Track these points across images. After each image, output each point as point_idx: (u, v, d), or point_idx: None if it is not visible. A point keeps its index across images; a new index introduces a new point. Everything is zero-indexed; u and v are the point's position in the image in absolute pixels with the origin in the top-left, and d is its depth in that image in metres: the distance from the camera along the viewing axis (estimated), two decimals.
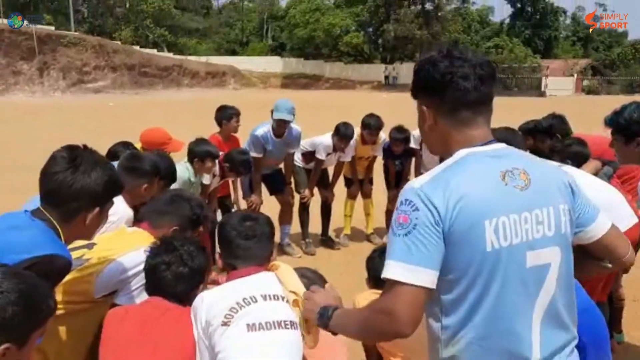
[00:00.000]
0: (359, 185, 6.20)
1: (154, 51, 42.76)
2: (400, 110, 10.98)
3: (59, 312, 1.83)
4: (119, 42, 40.09)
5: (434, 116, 1.50)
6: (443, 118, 1.48)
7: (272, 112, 5.27)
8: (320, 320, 1.62)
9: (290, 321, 1.77)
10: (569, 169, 1.75)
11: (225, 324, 1.71)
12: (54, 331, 2.06)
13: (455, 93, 1.44)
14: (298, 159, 5.82)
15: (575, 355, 1.50)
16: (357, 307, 2.12)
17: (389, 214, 6.32)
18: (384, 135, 5.95)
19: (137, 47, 41.04)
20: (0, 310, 1.34)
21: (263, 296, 1.78)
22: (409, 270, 1.32)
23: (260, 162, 5.22)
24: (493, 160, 1.44)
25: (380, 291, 2.09)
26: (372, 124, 5.71)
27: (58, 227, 1.81)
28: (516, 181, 1.41)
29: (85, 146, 1.97)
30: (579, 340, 1.74)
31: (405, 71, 48.09)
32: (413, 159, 6.14)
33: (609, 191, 2.99)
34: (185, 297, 1.95)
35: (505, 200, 1.39)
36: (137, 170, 2.84)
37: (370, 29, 50.82)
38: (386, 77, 46.97)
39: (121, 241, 2.34)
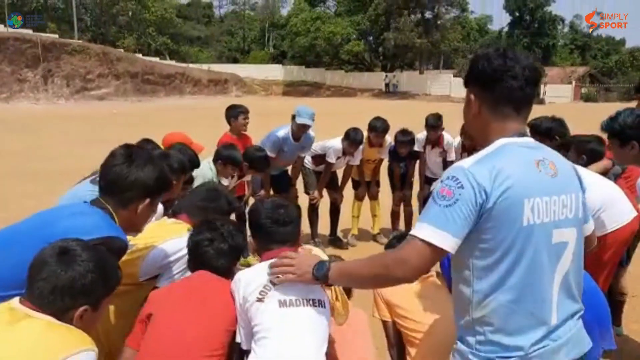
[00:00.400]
0: (366, 188, 6.45)
1: (157, 59, 43.11)
2: (401, 117, 11.17)
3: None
4: (122, 50, 40.43)
5: (479, 106, 1.70)
6: (487, 109, 1.68)
7: (293, 116, 5.55)
8: (319, 273, 1.81)
9: (319, 300, 1.96)
10: (577, 168, 2.01)
11: (259, 300, 1.91)
12: (104, 312, 2.29)
13: (502, 90, 1.64)
14: (308, 161, 6.08)
15: (581, 323, 1.73)
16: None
17: (394, 215, 6.58)
18: (389, 139, 6.21)
19: (140, 55, 41.34)
20: (81, 277, 1.62)
21: None
22: (440, 235, 1.52)
23: (273, 162, 5.48)
24: (528, 150, 1.65)
25: None
26: (378, 127, 5.98)
27: (114, 214, 2.06)
28: (547, 169, 1.63)
29: (140, 145, 2.21)
30: (583, 318, 2.03)
31: (405, 79, 48.44)
32: (417, 162, 6.39)
33: (610, 188, 3.26)
34: (225, 272, 2.18)
35: (540, 184, 1.59)
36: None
37: (371, 38, 51.17)
38: (387, 85, 47.25)
39: (163, 230, 2.59)
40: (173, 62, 44.37)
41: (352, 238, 6.49)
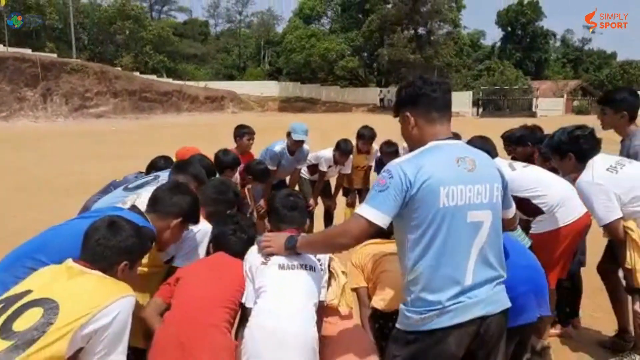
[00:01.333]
0: (356, 195, 6.83)
1: (154, 77, 43.71)
2: (396, 131, 11.55)
3: (142, 271, 2.49)
4: (119, 69, 41.02)
5: (415, 119, 2.18)
6: (421, 120, 2.17)
7: (288, 133, 5.97)
8: (289, 245, 2.37)
9: (310, 265, 2.44)
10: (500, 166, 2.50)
11: (263, 263, 2.43)
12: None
13: (428, 101, 2.15)
14: (304, 170, 6.47)
15: (502, 289, 2.14)
16: (360, 257, 2.91)
17: None
18: (376, 147, 6.60)
19: (138, 73, 41.95)
20: (125, 239, 2.14)
21: None
22: (374, 213, 2.02)
23: (273, 173, 5.87)
24: (452, 149, 2.13)
25: (374, 241, 2.93)
26: (365, 134, 6.42)
27: (149, 220, 2.56)
28: (466, 165, 2.08)
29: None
30: (523, 287, 2.52)
31: None
32: None
33: (566, 186, 3.67)
34: (241, 256, 2.63)
35: (456, 176, 2.04)
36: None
37: (365, 54, 52.04)
38: (381, 100, 47.89)
39: None
40: (170, 80, 44.97)
41: None
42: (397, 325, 2.15)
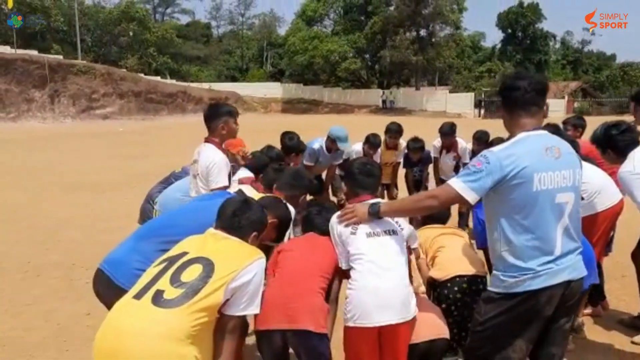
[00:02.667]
0: (385, 190, 7.11)
1: (158, 78, 43.98)
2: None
3: None
4: (125, 70, 41.28)
5: (503, 110, 2.56)
6: (506, 112, 2.54)
7: (328, 136, 6.29)
8: (372, 211, 2.69)
9: (392, 229, 2.77)
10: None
11: (352, 233, 2.75)
12: None
13: (513, 98, 2.50)
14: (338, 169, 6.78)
15: (581, 258, 2.52)
16: (420, 238, 3.18)
17: (410, 217, 7.21)
18: (404, 142, 6.95)
19: (143, 75, 42.22)
20: (255, 213, 2.53)
21: None
22: (465, 188, 2.38)
23: (310, 169, 6.20)
24: (540, 139, 2.45)
25: (430, 225, 3.35)
26: (393, 129, 6.79)
27: None
28: (553, 153, 2.41)
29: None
30: None
31: (401, 95, 49.39)
32: (431, 167, 7.10)
33: (603, 176, 4.02)
34: (326, 231, 2.97)
35: (546, 164, 2.37)
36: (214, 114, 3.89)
37: (367, 55, 52.33)
38: (383, 102, 48.28)
39: None
40: (174, 81, 45.25)
41: None
42: (490, 288, 2.52)
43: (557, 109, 42.73)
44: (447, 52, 48.10)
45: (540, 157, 2.37)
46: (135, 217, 4.85)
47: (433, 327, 2.82)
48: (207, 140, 3.80)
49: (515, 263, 2.37)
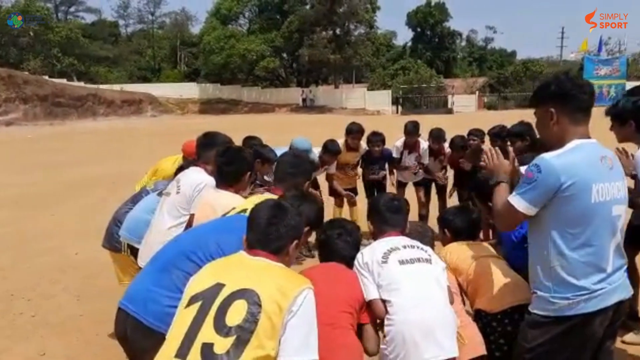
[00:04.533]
0: (345, 194, 6.84)
1: (65, 81, 41.45)
2: (321, 130, 11.58)
3: None
4: (27, 73, 38.52)
5: (559, 117, 2.29)
6: (567, 118, 2.28)
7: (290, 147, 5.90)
8: (492, 181, 2.49)
9: (426, 258, 2.54)
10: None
11: (384, 262, 2.48)
12: None
13: (577, 102, 2.28)
14: None
15: (626, 274, 2.35)
16: (453, 257, 2.95)
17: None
18: (364, 144, 6.76)
19: (48, 78, 39.60)
20: (293, 219, 2.16)
21: (404, 246, 2.59)
22: (520, 202, 2.21)
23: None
24: (594, 148, 2.28)
25: (461, 242, 3.03)
26: (354, 129, 6.56)
27: None
28: (607, 163, 2.26)
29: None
30: None
31: (321, 93, 49.78)
32: (391, 169, 6.92)
33: None
34: (350, 259, 2.66)
35: (602, 174, 2.22)
36: (211, 144, 3.56)
37: (285, 54, 52.19)
38: (304, 100, 48.36)
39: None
40: (83, 84, 42.84)
41: None
42: (535, 311, 2.29)
43: (469, 104, 44.78)
44: (363, 51, 49.00)
45: (596, 167, 2.23)
46: (70, 235, 4.35)
47: (474, 347, 2.60)
48: (196, 165, 3.52)
49: (568, 280, 2.20)
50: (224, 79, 52.25)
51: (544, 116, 2.35)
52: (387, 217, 2.74)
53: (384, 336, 2.43)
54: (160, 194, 3.74)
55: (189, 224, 3.22)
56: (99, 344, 4.11)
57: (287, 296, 1.87)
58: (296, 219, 2.17)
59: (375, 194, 6.79)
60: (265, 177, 4.93)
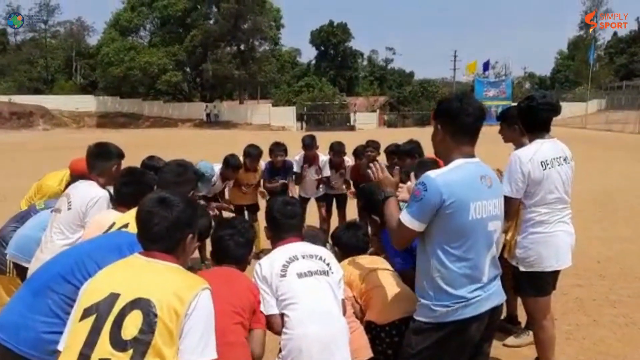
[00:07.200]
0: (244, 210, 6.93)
1: None
2: (225, 146, 11.44)
3: None
4: None
5: (444, 134, 2.44)
6: (450, 137, 2.43)
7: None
8: (381, 195, 2.59)
9: (323, 270, 2.62)
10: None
11: (283, 276, 2.53)
12: None
13: (460, 124, 2.40)
14: None
15: (500, 282, 2.54)
16: (346, 272, 3.01)
17: None
18: (264, 164, 6.87)
19: None
20: (182, 213, 2.03)
21: (303, 256, 2.64)
22: (411, 220, 2.35)
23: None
24: (476, 167, 2.43)
25: (353, 258, 3.18)
26: (252, 153, 6.60)
27: None
28: (486, 182, 2.41)
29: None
30: None
31: (226, 109, 49.32)
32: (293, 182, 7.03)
33: None
34: (243, 260, 2.70)
35: (481, 192, 2.37)
36: (106, 154, 3.52)
37: (188, 69, 51.23)
38: (207, 115, 47.65)
39: None
40: None
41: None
42: (418, 318, 2.44)
43: (370, 121, 46.41)
44: (268, 67, 49.33)
45: (476, 186, 2.37)
46: None
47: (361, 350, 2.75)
48: (87, 178, 3.43)
49: (446, 289, 2.35)
50: (124, 92, 50.34)
51: (435, 130, 2.53)
52: (283, 223, 2.75)
53: (280, 350, 2.51)
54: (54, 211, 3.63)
55: None
56: None
57: (184, 301, 1.84)
58: (186, 211, 2.04)
59: None
60: None
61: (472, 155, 2.47)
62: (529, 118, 3.48)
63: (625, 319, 4.67)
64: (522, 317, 4.35)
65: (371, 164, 2.75)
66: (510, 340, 4.20)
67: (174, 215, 2.00)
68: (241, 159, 6.56)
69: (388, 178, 2.65)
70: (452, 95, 2.54)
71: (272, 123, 44.81)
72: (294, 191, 7.04)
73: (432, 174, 2.36)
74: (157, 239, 1.99)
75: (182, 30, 49.35)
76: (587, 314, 4.81)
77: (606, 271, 6.00)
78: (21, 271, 3.67)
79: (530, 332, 4.04)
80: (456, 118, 2.41)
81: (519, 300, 4.11)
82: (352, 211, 7.01)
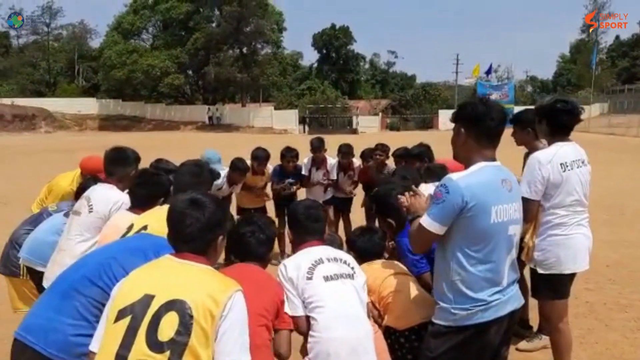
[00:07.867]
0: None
1: None
2: (228, 149, 11.43)
3: None
4: None
5: (467, 137, 2.45)
6: (473, 140, 2.44)
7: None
8: (410, 216, 2.59)
9: (349, 273, 2.62)
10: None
11: (309, 278, 2.52)
12: None
13: (483, 127, 2.43)
14: None
15: (517, 286, 2.55)
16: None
17: (280, 237, 6.65)
18: (271, 167, 6.81)
19: None
20: (216, 211, 2.04)
21: (328, 259, 2.63)
22: (432, 223, 2.34)
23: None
24: (497, 171, 2.44)
25: (372, 262, 3.13)
26: (260, 156, 6.55)
27: None
28: (507, 186, 2.42)
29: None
30: None
31: (228, 112, 49.33)
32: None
33: None
34: (264, 258, 2.68)
35: (502, 196, 2.38)
36: (124, 160, 3.52)
37: (191, 71, 51.30)
38: (210, 118, 47.68)
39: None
40: None
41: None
42: (437, 321, 2.44)
43: (372, 124, 46.41)
44: (270, 70, 49.31)
45: (497, 189, 2.39)
46: None
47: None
48: (98, 177, 3.42)
49: (466, 292, 2.36)
50: (126, 95, 50.41)
51: (457, 134, 2.52)
52: (307, 226, 2.76)
53: (306, 352, 2.51)
54: (67, 215, 3.61)
55: None
56: None
57: (218, 302, 1.85)
58: (217, 212, 2.05)
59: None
60: None
61: (494, 159, 2.48)
62: (553, 121, 3.47)
63: (636, 324, 4.65)
64: (532, 321, 4.34)
65: (400, 197, 2.74)
66: (523, 344, 4.18)
67: (206, 216, 2.00)
68: (248, 162, 6.53)
69: (420, 201, 2.62)
70: (476, 99, 2.55)
71: (274, 126, 44.81)
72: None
73: (453, 176, 2.37)
74: (189, 240, 1.99)
75: (184, 33, 49.43)
76: (598, 318, 4.79)
77: (615, 275, 5.99)
78: (34, 274, 3.66)
79: (543, 337, 4.06)
80: (481, 122, 2.42)
81: (530, 303, 4.08)
82: (355, 215, 7.07)
